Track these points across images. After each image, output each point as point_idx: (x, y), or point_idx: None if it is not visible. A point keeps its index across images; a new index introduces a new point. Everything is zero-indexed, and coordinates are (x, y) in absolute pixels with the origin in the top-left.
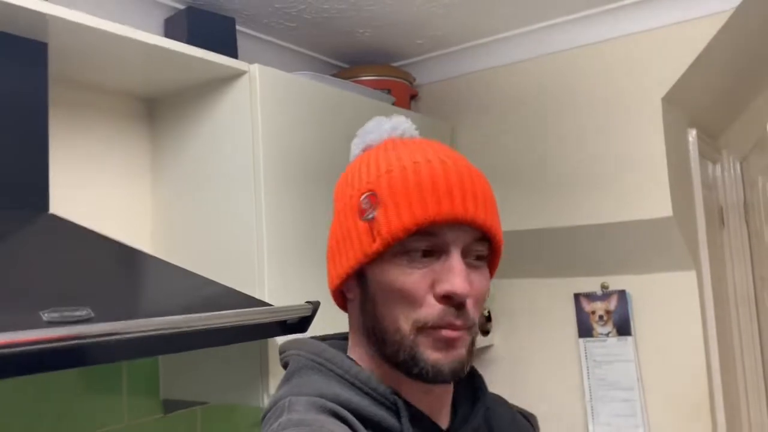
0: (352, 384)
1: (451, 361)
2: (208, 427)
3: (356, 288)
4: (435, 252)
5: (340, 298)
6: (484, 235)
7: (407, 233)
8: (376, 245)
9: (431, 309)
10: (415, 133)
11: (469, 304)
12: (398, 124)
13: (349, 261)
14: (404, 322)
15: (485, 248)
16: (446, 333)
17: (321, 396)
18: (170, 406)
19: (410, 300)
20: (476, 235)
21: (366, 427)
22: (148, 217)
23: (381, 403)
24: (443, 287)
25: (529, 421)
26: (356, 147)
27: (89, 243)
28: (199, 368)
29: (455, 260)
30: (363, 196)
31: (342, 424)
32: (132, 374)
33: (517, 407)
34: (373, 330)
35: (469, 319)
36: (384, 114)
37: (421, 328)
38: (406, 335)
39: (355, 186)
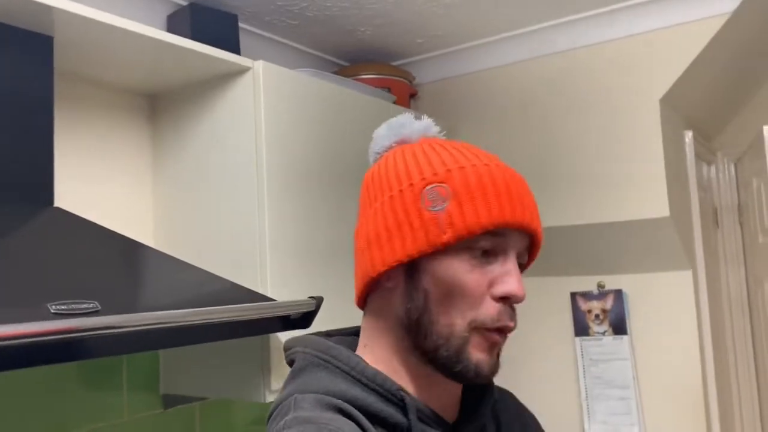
0: (359, 381)
1: (492, 363)
2: (208, 423)
3: (401, 276)
4: (493, 253)
5: (368, 287)
6: (532, 244)
7: (482, 230)
8: (447, 237)
9: (490, 309)
10: (442, 137)
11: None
12: (430, 125)
13: (406, 249)
14: (460, 318)
15: (526, 256)
16: (497, 338)
17: (327, 393)
18: (170, 401)
19: (469, 298)
20: (527, 243)
21: (373, 424)
22: (150, 212)
23: (388, 400)
24: (503, 288)
25: None
26: (386, 138)
27: (94, 237)
28: (200, 363)
29: (513, 264)
30: (429, 187)
31: (349, 421)
32: (132, 369)
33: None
34: (418, 321)
35: (516, 323)
36: (385, 112)
37: (477, 328)
38: (459, 332)
39: (416, 176)
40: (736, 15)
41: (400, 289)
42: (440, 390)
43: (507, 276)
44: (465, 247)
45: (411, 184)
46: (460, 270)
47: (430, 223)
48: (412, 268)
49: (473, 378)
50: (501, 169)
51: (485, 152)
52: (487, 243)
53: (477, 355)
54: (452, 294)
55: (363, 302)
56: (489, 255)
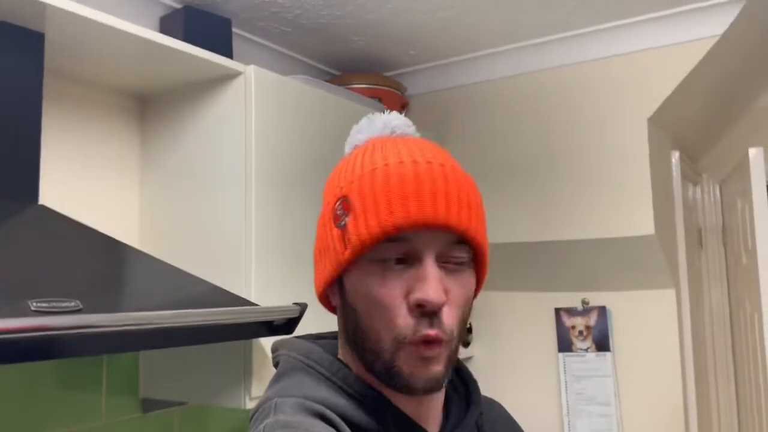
0: (340, 387)
1: (425, 377)
2: (186, 428)
3: (337, 294)
4: (408, 259)
5: (327, 302)
6: (461, 238)
7: (375, 240)
8: (348, 253)
9: (406, 321)
10: (408, 129)
11: (445, 311)
12: (389, 120)
13: (326, 269)
14: (385, 335)
15: (465, 253)
16: (423, 351)
17: (308, 398)
18: (149, 405)
19: (387, 312)
20: (452, 239)
21: (352, 431)
22: (136, 213)
23: (368, 408)
24: (415, 295)
25: None
26: (347, 146)
27: (78, 235)
28: (180, 368)
29: (428, 267)
30: (338, 202)
31: (329, 427)
32: (112, 372)
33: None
34: (354, 337)
35: (445, 328)
36: None
37: (401, 343)
38: (386, 349)
39: (333, 191)
40: (725, 38)
41: (339, 306)
42: (416, 400)
43: (420, 282)
44: (375, 258)
45: (328, 202)
46: (372, 283)
47: (337, 240)
48: (341, 286)
49: (409, 393)
50: (402, 167)
51: (419, 147)
52: (392, 251)
53: (409, 370)
54: (371, 308)
55: (333, 311)
56: (404, 262)
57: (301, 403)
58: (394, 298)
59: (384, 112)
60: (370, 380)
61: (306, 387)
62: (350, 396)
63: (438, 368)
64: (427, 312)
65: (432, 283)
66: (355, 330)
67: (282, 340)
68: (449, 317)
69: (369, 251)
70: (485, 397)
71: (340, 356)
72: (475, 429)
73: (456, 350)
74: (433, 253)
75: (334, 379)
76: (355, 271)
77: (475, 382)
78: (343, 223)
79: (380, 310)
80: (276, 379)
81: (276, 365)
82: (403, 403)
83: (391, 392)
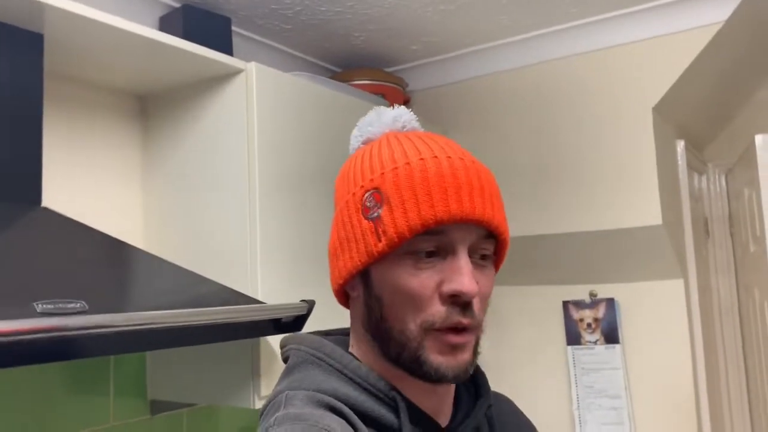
0: (351, 379)
1: (455, 365)
2: (195, 429)
3: (360, 286)
4: (441, 251)
5: (343, 295)
6: (490, 233)
7: (414, 233)
8: (382, 245)
9: (438, 309)
10: (416, 124)
11: (476, 303)
12: (399, 115)
13: (353, 260)
14: (412, 323)
15: (491, 246)
16: (452, 338)
17: (319, 390)
18: (157, 407)
19: (417, 301)
20: (482, 234)
21: (364, 423)
22: (140, 214)
23: (380, 399)
24: (451, 286)
25: None
26: (355, 140)
27: (82, 237)
28: (188, 369)
29: (462, 259)
30: (367, 194)
31: (340, 419)
32: (119, 374)
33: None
34: (378, 329)
35: (476, 318)
36: None
37: (428, 330)
38: (413, 337)
39: (358, 182)
40: (728, 25)
41: (361, 298)
42: (428, 392)
43: (455, 273)
44: (407, 251)
45: (353, 193)
46: (404, 275)
47: (367, 232)
48: (366, 278)
49: (437, 381)
50: (438, 162)
51: (442, 142)
52: (427, 244)
53: (436, 358)
54: (401, 299)
55: (346, 305)
56: (436, 254)
57: (312, 396)
58: (426, 289)
59: (393, 107)
60: (384, 373)
61: (316, 380)
62: (362, 388)
63: (467, 356)
64: (459, 302)
65: (467, 274)
66: (379, 321)
67: (291, 335)
68: (478, 308)
69: (404, 243)
70: (493, 392)
71: (351, 351)
72: (485, 421)
73: (479, 341)
74: (466, 247)
75: (345, 371)
76: (385, 262)
77: (483, 374)
78: (375, 214)
79: (410, 300)
80: (286, 372)
81: (285, 360)
82: (415, 395)
83: (404, 384)
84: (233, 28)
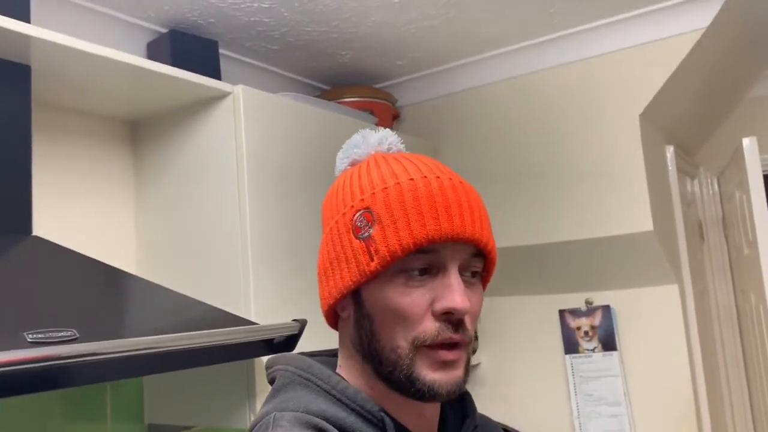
0: (339, 400)
1: (448, 382)
2: None
3: (351, 306)
4: (432, 269)
5: (333, 316)
6: (479, 251)
7: (407, 252)
8: (375, 264)
9: (430, 326)
10: (401, 146)
11: (467, 320)
12: (384, 137)
13: (345, 280)
14: (402, 340)
15: (480, 264)
16: (444, 354)
17: (307, 411)
18: (155, 430)
19: (408, 319)
20: (472, 252)
21: None
22: (132, 239)
23: (368, 420)
24: (443, 304)
25: None
26: (341, 162)
27: (73, 265)
28: (184, 391)
29: (454, 277)
30: (358, 214)
31: None
32: (116, 399)
33: (503, 425)
34: (369, 348)
35: (467, 335)
36: None
37: (420, 346)
38: (404, 354)
39: (348, 203)
40: (710, 30)
41: (352, 318)
42: (416, 413)
43: (447, 291)
44: (399, 269)
45: (344, 213)
46: (396, 293)
47: (359, 252)
48: (358, 297)
49: (431, 398)
50: (427, 182)
51: (429, 163)
52: (419, 262)
53: (429, 375)
54: (392, 318)
55: (334, 326)
56: (428, 272)
57: (300, 417)
58: (418, 307)
59: (376, 129)
60: (373, 393)
61: (304, 400)
62: (350, 409)
63: (459, 373)
64: (452, 320)
65: (459, 292)
66: (371, 340)
67: (277, 356)
68: (470, 325)
69: (396, 263)
70: (481, 414)
71: (339, 371)
72: None
73: (470, 359)
74: (457, 264)
75: (333, 392)
76: (377, 281)
77: (469, 395)
78: (366, 234)
79: (402, 318)
80: (273, 393)
81: (271, 381)
82: (403, 415)
83: (393, 405)
84: (221, 50)
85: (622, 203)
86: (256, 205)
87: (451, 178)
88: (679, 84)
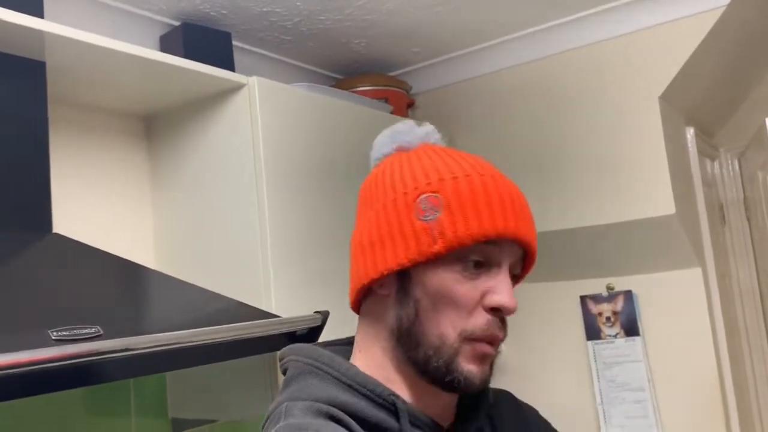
0: (350, 386)
1: (482, 374)
2: None
3: (394, 285)
4: (486, 264)
5: (362, 293)
6: (526, 253)
7: (474, 241)
8: (438, 247)
9: (480, 319)
10: (443, 144)
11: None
12: (432, 132)
13: (398, 258)
14: (451, 329)
15: (521, 267)
16: (487, 348)
17: (318, 400)
18: (179, 425)
19: (460, 308)
20: (521, 254)
21: (365, 429)
22: (151, 233)
23: (379, 404)
24: (495, 299)
25: None
26: (386, 146)
27: (94, 261)
28: (207, 386)
29: (505, 275)
30: (423, 196)
31: (340, 427)
32: (140, 394)
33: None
34: (408, 330)
35: (506, 333)
36: (383, 122)
37: (466, 338)
38: (450, 343)
39: (409, 185)
40: (731, 8)
41: (393, 297)
42: (434, 395)
43: (499, 287)
44: (457, 257)
45: (405, 193)
46: (451, 280)
47: (421, 232)
48: (404, 277)
49: (463, 389)
50: (496, 180)
51: (483, 162)
52: (479, 254)
53: (467, 366)
54: (443, 304)
55: (358, 307)
56: (481, 266)
57: (311, 405)
58: (471, 298)
59: (420, 123)
60: (391, 377)
61: (315, 389)
62: (360, 394)
63: (488, 368)
64: (499, 316)
65: (509, 290)
66: (413, 323)
67: (289, 347)
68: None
69: (458, 250)
70: (493, 389)
71: (356, 355)
72: (487, 420)
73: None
74: (508, 263)
75: (343, 379)
76: (432, 265)
77: None
78: (432, 217)
79: (454, 306)
80: (285, 384)
81: (284, 373)
82: (419, 399)
83: (411, 389)
84: (234, 42)
85: (643, 187)
86: (274, 197)
87: (510, 180)
88: (699, 65)
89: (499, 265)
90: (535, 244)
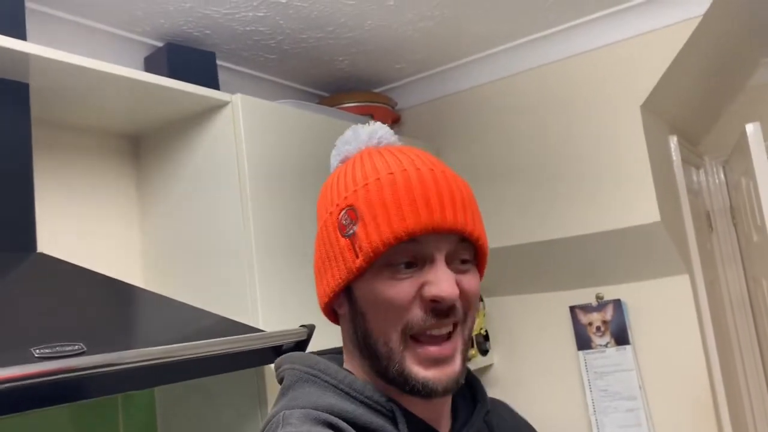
0: (347, 394)
1: (443, 379)
2: None
3: (345, 303)
4: (419, 261)
5: (332, 313)
6: (465, 239)
7: (388, 246)
8: (359, 261)
9: (417, 313)
10: (393, 138)
11: (459, 306)
12: (375, 131)
13: (335, 278)
14: (393, 331)
15: (470, 251)
16: (433, 351)
17: (316, 407)
18: None
19: (396, 308)
20: (457, 240)
21: None
22: (138, 252)
23: (377, 411)
24: (431, 291)
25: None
26: (334, 159)
27: (78, 280)
28: (196, 402)
29: (440, 266)
30: (342, 212)
31: None
32: (128, 413)
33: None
34: (365, 344)
35: (458, 317)
36: None
37: (408, 339)
38: (396, 347)
39: (334, 201)
40: (707, 17)
41: (347, 314)
42: (428, 404)
43: (433, 279)
44: (384, 264)
45: (330, 212)
46: (383, 286)
47: (345, 249)
48: (350, 294)
49: (427, 396)
50: (406, 175)
51: (414, 155)
52: (403, 255)
53: (421, 372)
54: (382, 310)
55: (335, 322)
56: (414, 265)
57: (309, 413)
58: (405, 295)
59: (368, 123)
60: (380, 386)
61: (312, 397)
62: (358, 401)
63: (455, 367)
64: (441, 308)
65: (446, 280)
66: (364, 335)
67: (285, 356)
68: (465, 309)
69: (381, 257)
70: (490, 397)
71: (346, 366)
72: (485, 426)
73: (468, 347)
74: (443, 254)
75: (340, 386)
76: (365, 277)
77: (479, 380)
78: (351, 231)
79: (391, 309)
80: (282, 393)
81: (280, 381)
82: (413, 405)
83: (401, 395)
84: (218, 62)
85: (627, 195)
86: (259, 213)
87: (432, 169)
88: (679, 73)
89: (431, 260)
90: (467, 226)
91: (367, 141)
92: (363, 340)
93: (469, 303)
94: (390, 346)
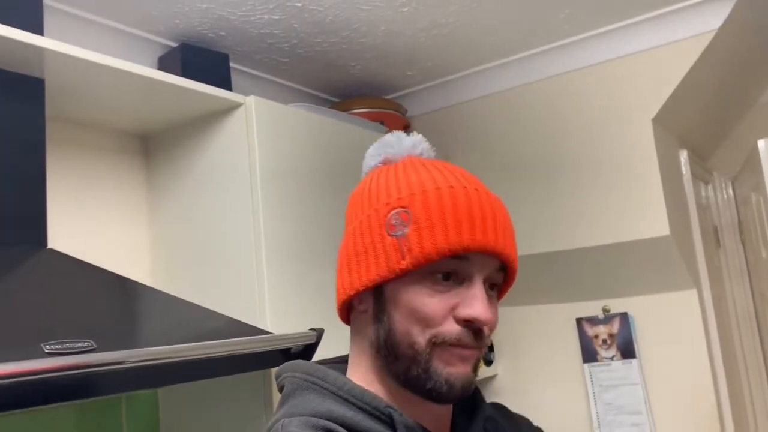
0: (346, 400)
1: (463, 374)
2: None
3: (370, 300)
4: (458, 277)
5: (346, 308)
6: (503, 265)
7: (441, 256)
8: (406, 263)
9: (451, 328)
10: (432, 154)
11: (485, 330)
12: (418, 142)
13: (370, 274)
14: (420, 336)
15: (501, 278)
16: (460, 350)
17: (315, 414)
18: None
19: (430, 321)
20: (497, 265)
21: None
22: (147, 250)
23: (377, 417)
24: (466, 311)
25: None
26: (372, 158)
27: (89, 277)
28: (201, 404)
29: (478, 288)
30: (393, 212)
31: None
32: (132, 413)
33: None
34: (386, 344)
35: (484, 344)
36: None
37: (437, 344)
38: (421, 350)
39: (382, 200)
40: (722, 31)
41: (370, 312)
42: (423, 407)
43: (471, 299)
44: (427, 271)
45: (377, 209)
46: (421, 295)
47: (390, 248)
48: (379, 293)
49: (447, 394)
50: (467, 192)
51: (462, 175)
52: (448, 267)
53: (446, 369)
54: (414, 318)
55: (347, 320)
56: (453, 279)
57: (307, 420)
58: (441, 310)
59: (408, 133)
60: (387, 390)
61: (312, 404)
62: (357, 408)
63: (470, 369)
64: (473, 328)
65: (483, 302)
66: (387, 335)
67: (285, 365)
68: (487, 335)
69: (427, 265)
70: (491, 403)
71: (350, 369)
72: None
73: (479, 362)
74: (483, 276)
75: (339, 393)
76: (402, 280)
77: (478, 389)
78: (401, 232)
79: (423, 319)
80: (283, 400)
81: (281, 390)
82: (414, 410)
83: (403, 403)
84: (231, 64)
85: (637, 208)
86: (270, 215)
87: (487, 193)
88: (691, 88)
89: (471, 278)
90: (511, 254)
91: (411, 149)
92: (385, 340)
93: (491, 329)
94: (416, 348)
